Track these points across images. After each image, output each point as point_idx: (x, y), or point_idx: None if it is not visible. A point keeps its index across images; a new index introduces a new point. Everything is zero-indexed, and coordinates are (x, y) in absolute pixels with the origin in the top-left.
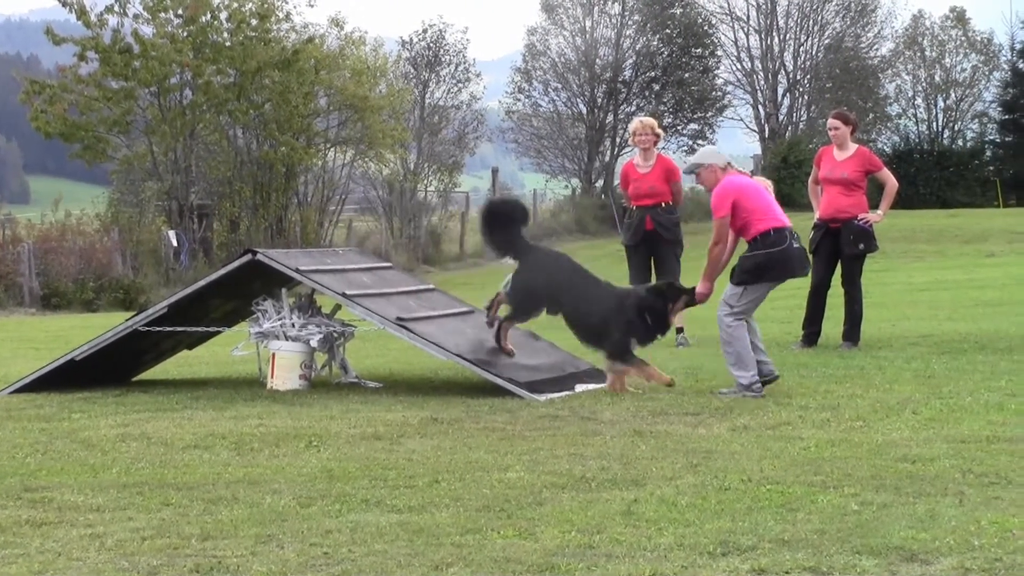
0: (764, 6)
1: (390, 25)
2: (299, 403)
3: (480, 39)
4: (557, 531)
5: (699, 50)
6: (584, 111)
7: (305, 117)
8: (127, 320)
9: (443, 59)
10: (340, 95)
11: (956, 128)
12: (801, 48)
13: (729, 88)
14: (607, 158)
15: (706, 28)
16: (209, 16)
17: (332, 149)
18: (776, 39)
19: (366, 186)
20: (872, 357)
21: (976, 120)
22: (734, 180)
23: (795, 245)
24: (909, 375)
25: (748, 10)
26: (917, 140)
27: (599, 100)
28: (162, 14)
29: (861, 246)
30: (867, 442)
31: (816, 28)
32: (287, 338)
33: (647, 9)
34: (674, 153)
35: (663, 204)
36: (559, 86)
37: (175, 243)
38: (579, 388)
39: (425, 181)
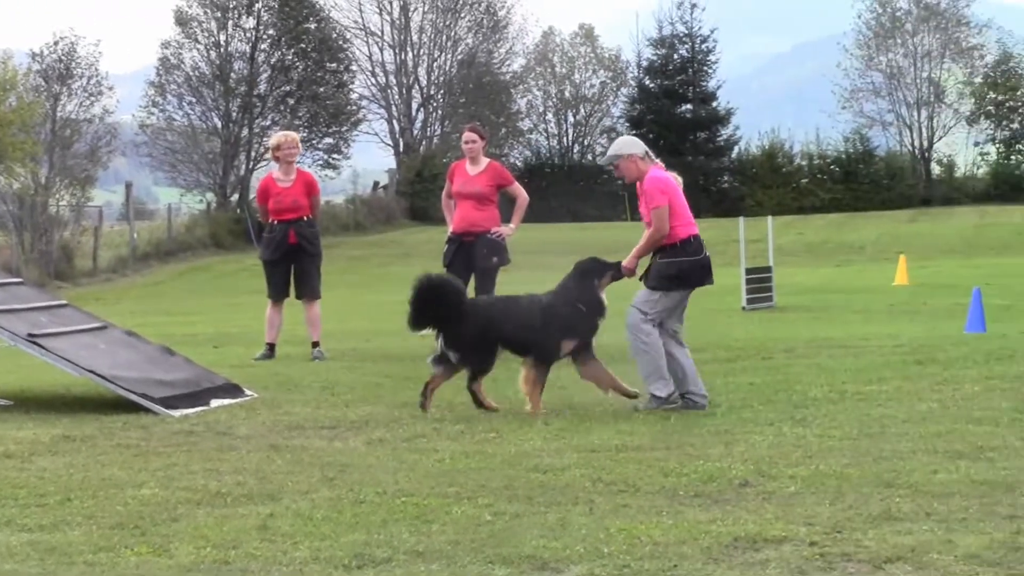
0: (398, 21)
1: (20, 37)
2: None
3: (113, 52)
4: (192, 547)
5: (334, 64)
6: (219, 125)
7: None
8: None
9: (75, 72)
10: None
11: (586, 143)
12: (435, 63)
13: (364, 103)
14: (242, 172)
15: (341, 43)
16: None
17: None
18: (410, 54)
19: None
20: (504, 369)
21: (605, 135)
22: (665, 176)
23: (707, 253)
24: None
25: (382, 25)
26: (548, 154)
27: (234, 114)
28: None
29: (494, 259)
30: (500, 453)
31: (449, 44)
32: None
33: (281, 23)
34: (309, 167)
35: (304, 218)
36: (194, 100)
37: None
38: (215, 403)
39: (57, 195)
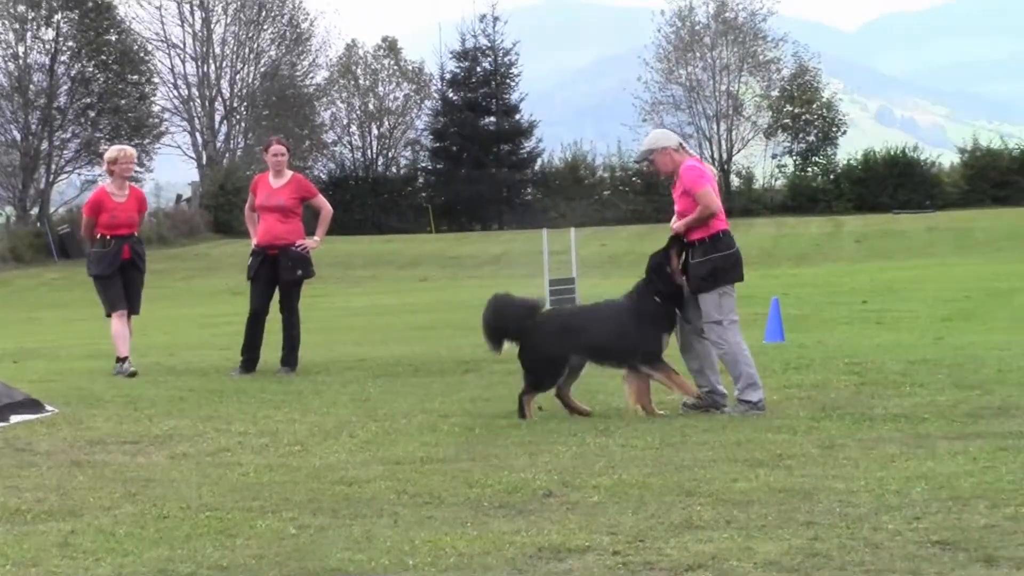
0: (200, 33)
1: None
2: None
3: None
4: None
5: (135, 77)
6: (18, 138)
7: None
8: None
9: None
10: None
11: (390, 155)
12: (238, 76)
13: (166, 115)
14: (42, 185)
15: (142, 55)
16: None
17: None
18: (213, 66)
19: None
20: (310, 382)
21: (409, 148)
22: (701, 166)
23: (737, 247)
24: (346, 399)
25: (184, 37)
26: (352, 167)
27: (33, 127)
28: None
29: (299, 272)
30: (305, 466)
31: (252, 56)
32: None
33: (81, 35)
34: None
35: (135, 234)
36: None
37: None
38: (14, 419)
39: None
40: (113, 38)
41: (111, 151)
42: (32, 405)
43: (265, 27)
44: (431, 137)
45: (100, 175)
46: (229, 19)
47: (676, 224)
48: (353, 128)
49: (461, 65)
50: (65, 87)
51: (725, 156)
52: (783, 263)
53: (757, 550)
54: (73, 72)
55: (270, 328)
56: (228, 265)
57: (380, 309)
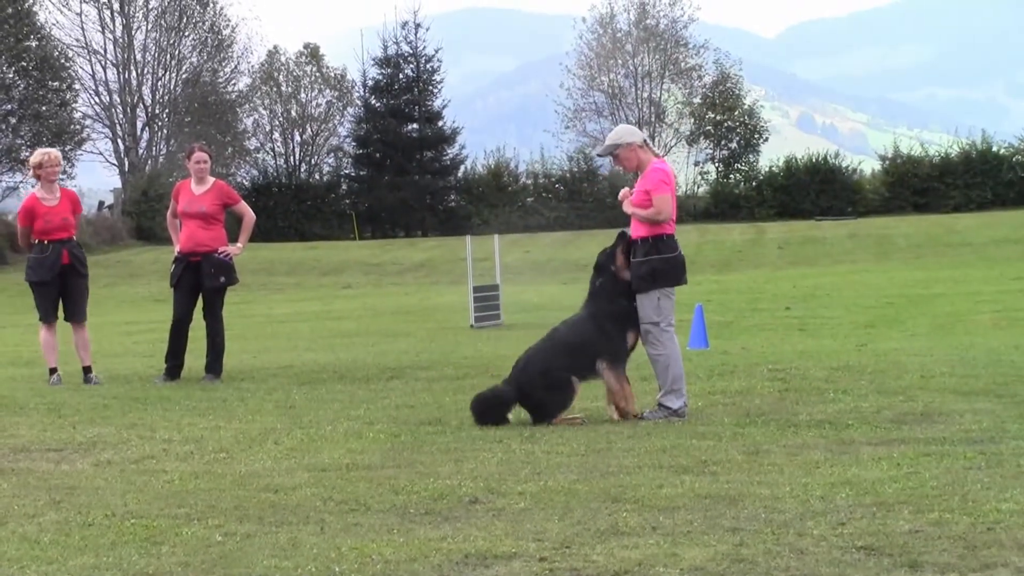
0: (121, 40)
1: None
2: None
3: None
4: None
5: (56, 83)
6: None
7: None
8: None
9: None
10: None
11: (313, 162)
12: (159, 82)
13: (88, 122)
14: None
15: (63, 61)
16: None
17: None
18: (134, 73)
19: None
20: (235, 389)
21: (332, 154)
22: (669, 170)
23: (680, 252)
24: (271, 406)
25: (105, 43)
26: (275, 174)
27: None
28: None
29: (222, 279)
30: (230, 473)
31: (174, 63)
32: None
33: (1, 41)
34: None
35: (74, 238)
36: None
37: None
38: None
39: None
40: (33, 44)
41: (35, 155)
42: None
43: (186, 33)
44: (354, 144)
45: (22, 182)
46: (150, 25)
47: (626, 205)
48: (276, 135)
49: (383, 72)
50: None
51: None
52: (706, 270)
53: (683, 556)
54: None
55: (194, 335)
56: (150, 272)
57: (304, 316)
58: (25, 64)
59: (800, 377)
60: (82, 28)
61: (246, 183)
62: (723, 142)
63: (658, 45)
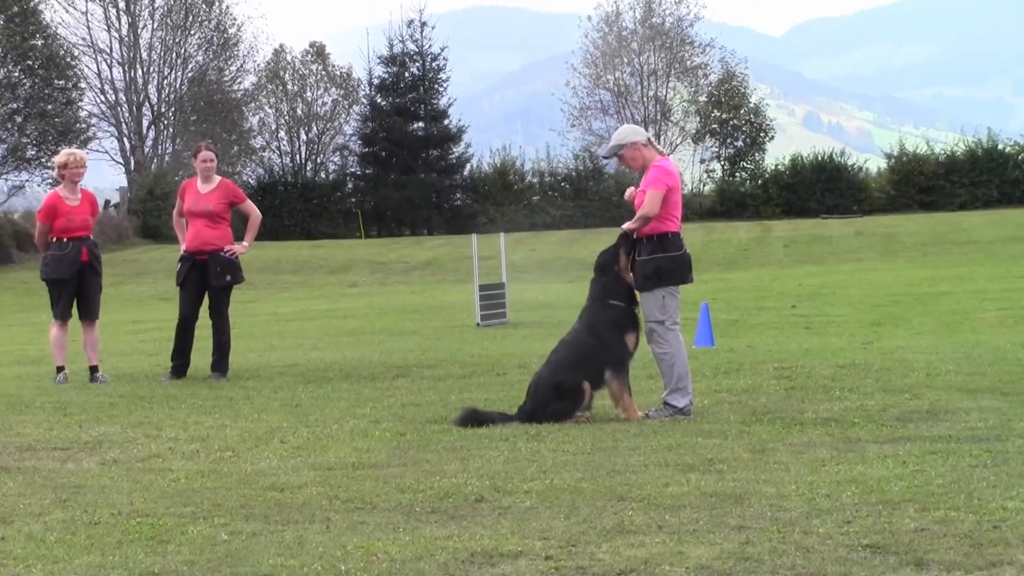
0: (127, 39)
1: None
2: None
3: None
4: None
5: (62, 82)
6: None
7: None
8: None
9: None
10: None
11: (319, 160)
12: (165, 81)
13: (93, 120)
14: None
15: (69, 60)
16: None
17: None
18: (140, 72)
19: None
20: (241, 387)
21: (338, 153)
22: (673, 169)
23: (687, 251)
24: (277, 404)
25: (111, 42)
26: (281, 172)
27: None
28: None
29: (228, 277)
30: (236, 472)
31: (179, 61)
32: None
33: (7, 40)
34: (39, 186)
35: (91, 236)
36: None
37: None
38: None
39: None
40: (39, 43)
41: (61, 155)
42: None
43: (192, 32)
44: (360, 142)
45: (27, 180)
46: (156, 24)
47: (627, 224)
48: (281, 133)
49: (389, 70)
50: None
51: None
52: (712, 268)
53: (689, 554)
54: None
55: (200, 334)
56: (157, 271)
57: (310, 314)
58: (31, 63)
59: (806, 375)
60: (88, 27)
61: (252, 182)
62: (729, 140)
63: (664, 43)
